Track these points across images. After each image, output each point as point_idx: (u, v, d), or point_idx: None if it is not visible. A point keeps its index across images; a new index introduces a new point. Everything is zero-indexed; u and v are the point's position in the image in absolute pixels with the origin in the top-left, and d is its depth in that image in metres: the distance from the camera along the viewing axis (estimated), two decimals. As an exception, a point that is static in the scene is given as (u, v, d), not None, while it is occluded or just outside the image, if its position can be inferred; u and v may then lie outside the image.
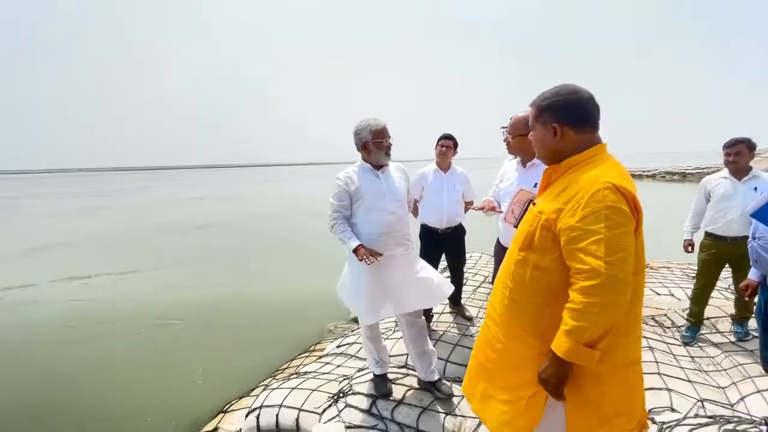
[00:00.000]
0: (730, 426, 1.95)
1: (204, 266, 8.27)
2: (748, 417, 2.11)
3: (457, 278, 3.29)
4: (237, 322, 4.98)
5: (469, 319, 3.22)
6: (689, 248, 3.12)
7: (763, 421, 1.99)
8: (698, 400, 2.26)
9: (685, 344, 2.97)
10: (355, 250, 2.05)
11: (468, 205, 3.25)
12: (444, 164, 3.12)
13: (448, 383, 2.43)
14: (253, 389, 3.19)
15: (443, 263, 3.38)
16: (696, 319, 3.08)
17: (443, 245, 3.17)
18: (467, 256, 5.05)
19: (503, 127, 2.37)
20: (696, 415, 2.14)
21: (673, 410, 2.20)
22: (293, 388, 2.57)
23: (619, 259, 1.06)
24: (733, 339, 2.94)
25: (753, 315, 2.80)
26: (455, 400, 2.36)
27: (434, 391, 2.36)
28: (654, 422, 2.10)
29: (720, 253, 2.89)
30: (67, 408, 3.27)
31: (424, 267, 2.36)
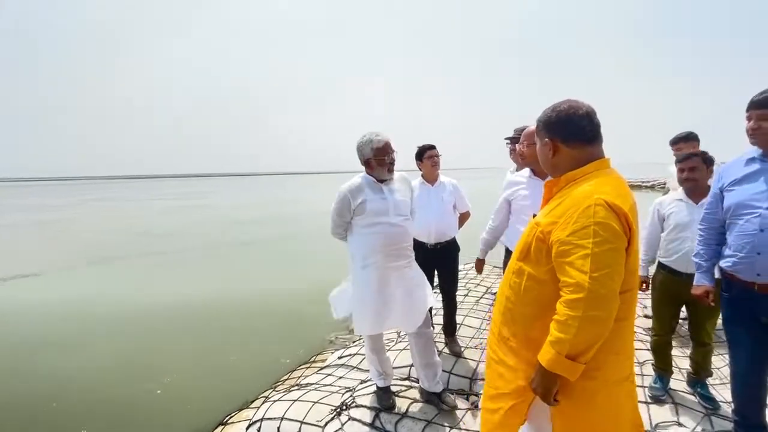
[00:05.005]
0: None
1: (221, 263, 8.96)
2: None
3: (450, 306, 3.05)
4: (235, 331, 4.95)
5: (458, 354, 2.89)
6: (643, 286, 2.54)
7: None
8: (705, 415, 2.23)
9: (654, 397, 2.37)
10: None
11: (463, 218, 3.14)
12: (432, 176, 2.96)
13: (452, 395, 2.41)
14: (253, 401, 3.15)
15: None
16: (663, 368, 2.47)
17: (434, 261, 2.94)
18: (470, 266, 5.04)
19: (508, 138, 2.37)
20: (703, 430, 2.12)
21: (680, 425, 2.17)
22: (295, 401, 2.53)
23: (604, 275, 1.07)
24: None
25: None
26: (459, 413, 2.33)
27: (438, 403, 2.34)
28: (661, 437, 2.07)
29: (676, 291, 2.35)
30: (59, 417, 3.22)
31: (422, 278, 2.37)
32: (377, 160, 2.16)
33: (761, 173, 1.63)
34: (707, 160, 2.30)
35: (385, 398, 2.35)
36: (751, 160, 1.69)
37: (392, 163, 2.21)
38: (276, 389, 3.24)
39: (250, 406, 3.05)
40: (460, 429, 2.20)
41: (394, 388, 2.48)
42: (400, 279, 2.22)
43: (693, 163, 2.29)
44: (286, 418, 2.37)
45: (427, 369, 2.35)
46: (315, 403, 2.49)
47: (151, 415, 3.26)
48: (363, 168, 2.27)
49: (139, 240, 12.35)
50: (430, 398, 2.38)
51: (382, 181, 2.23)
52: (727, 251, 1.76)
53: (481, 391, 2.10)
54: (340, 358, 3.27)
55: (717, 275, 2.14)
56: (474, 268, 4.93)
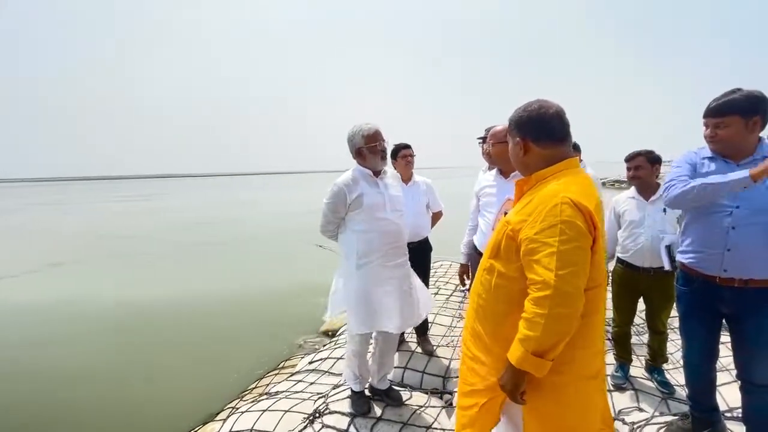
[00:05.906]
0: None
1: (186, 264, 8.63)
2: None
3: None
4: (199, 337, 4.72)
5: (430, 353, 2.91)
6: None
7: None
8: (662, 399, 2.37)
9: (616, 386, 2.50)
10: None
11: (436, 217, 3.15)
12: (406, 175, 2.95)
13: (398, 389, 2.48)
14: (219, 412, 3.01)
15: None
16: (624, 357, 2.62)
17: None
18: (438, 264, 5.10)
19: (480, 138, 2.40)
20: (661, 413, 2.24)
21: (640, 410, 2.29)
22: (264, 410, 2.43)
23: (569, 273, 1.08)
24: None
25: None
26: (434, 411, 2.33)
27: (385, 399, 2.39)
28: (625, 423, 2.17)
29: (634, 284, 2.48)
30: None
31: (416, 277, 2.37)
32: (369, 147, 2.11)
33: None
34: (652, 159, 2.42)
35: (360, 403, 2.30)
36: (711, 159, 1.74)
37: (384, 151, 2.16)
38: (243, 399, 3.11)
39: (216, 419, 2.91)
40: (435, 429, 2.20)
41: (368, 392, 2.44)
42: (398, 278, 2.19)
43: (637, 162, 2.43)
44: (256, 430, 2.27)
45: (381, 368, 2.39)
46: (286, 411, 2.39)
47: (108, 426, 3.03)
48: (354, 163, 2.20)
49: (100, 243, 11.64)
50: (377, 393, 2.41)
51: (376, 173, 2.18)
52: (689, 246, 1.81)
53: (455, 389, 2.11)
54: (310, 363, 3.18)
55: (667, 266, 2.28)
56: (442, 266, 5.04)
